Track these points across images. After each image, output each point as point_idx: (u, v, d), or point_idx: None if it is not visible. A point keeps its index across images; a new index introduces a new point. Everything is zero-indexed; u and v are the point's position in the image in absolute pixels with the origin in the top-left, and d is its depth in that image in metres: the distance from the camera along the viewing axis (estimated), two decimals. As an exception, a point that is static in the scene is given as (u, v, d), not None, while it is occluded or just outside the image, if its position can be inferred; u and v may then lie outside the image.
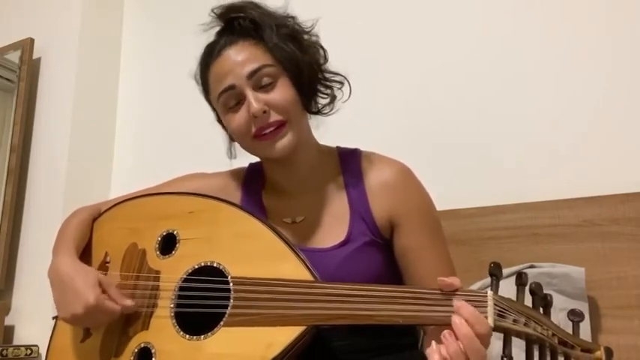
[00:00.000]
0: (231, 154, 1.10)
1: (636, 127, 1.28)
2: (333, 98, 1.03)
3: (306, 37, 1.01)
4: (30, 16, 2.21)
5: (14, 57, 2.10)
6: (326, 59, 1.03)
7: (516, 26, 1.46)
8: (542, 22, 1.43)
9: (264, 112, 0.93)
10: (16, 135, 2.01)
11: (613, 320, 1.18)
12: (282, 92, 0.96)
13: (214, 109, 1.06)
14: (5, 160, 2.01)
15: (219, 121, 1.07)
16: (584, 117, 1.34)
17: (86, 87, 2.06)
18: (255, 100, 0.93)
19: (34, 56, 2.11)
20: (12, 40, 2.14)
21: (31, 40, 2.10)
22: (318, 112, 1.03)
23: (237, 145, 1.05)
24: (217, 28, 1.03)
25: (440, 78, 1.54)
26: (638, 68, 1.30)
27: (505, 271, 1.23)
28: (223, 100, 0.97)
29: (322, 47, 1.03)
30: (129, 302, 0.93)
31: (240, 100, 0.96)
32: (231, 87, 0.95)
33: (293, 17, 1.01)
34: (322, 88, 1.03)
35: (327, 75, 1.03)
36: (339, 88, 1.04)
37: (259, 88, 0.95)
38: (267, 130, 0.95)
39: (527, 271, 1.22)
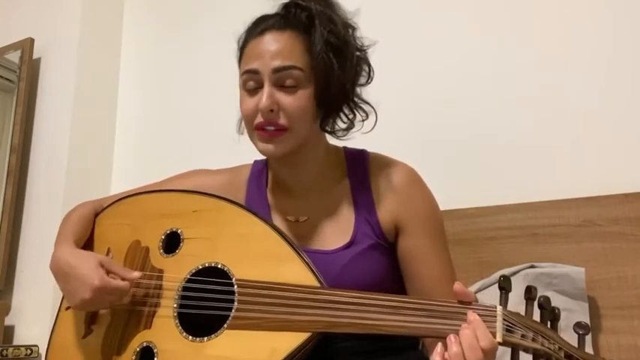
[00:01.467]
0: (239, 129, 1.07)
1: (636, 127, 1.28)
2: (351, 127, 1.00)
3: (356, 53, 0.97)
4: (30, 16, 2.21)
5: (14, 57, 2.10)
6: (370, 78, 0.99)
7: (516, 26, 1.46)
8: (542, 21, 1.43)
9: (272, 110, 0.92)
10: (16, 135, 2.00)
11: (613, 320, 1.18)
12: (299, 101, 0.93)
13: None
14: (5, 160, 2.01)
15: None
16: (584, 117, 1.34)
17: (86, 87, 2.05)
18: (267, 96, 0.92)
19: (34, 56, 2.10)
20: (12, 40, 2.14)
21: (31, 40, 2.09)
22: (331, 132, 1.01)
23: None
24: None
25: (440, 78, 1.54)
26: (638, 68, 1.30)
27: (505, 270, 1.24)
28: (244, 79, 0.96)
29: (370, 67, 0.99)
30: (135, 274, 0.93)
31: (259, 87, 0.95)
32: (255, 71, 0.94)
33: (354, 28, 0.98)
34: (346, 111, 0.99)
35: (357, 100, 0.99)
36: (362, 120, 1.00)
37: (279, 86, 0.93)
38: (268, 128, 0.93)
39: (528, 271, 1.22)
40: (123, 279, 0.92)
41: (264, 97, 0.92)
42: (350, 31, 0.97)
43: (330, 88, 0.94)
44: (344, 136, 1.01)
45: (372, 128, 1.01)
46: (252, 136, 0.98)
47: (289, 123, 0.93)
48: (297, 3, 0.95)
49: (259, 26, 0.97)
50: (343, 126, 1.00)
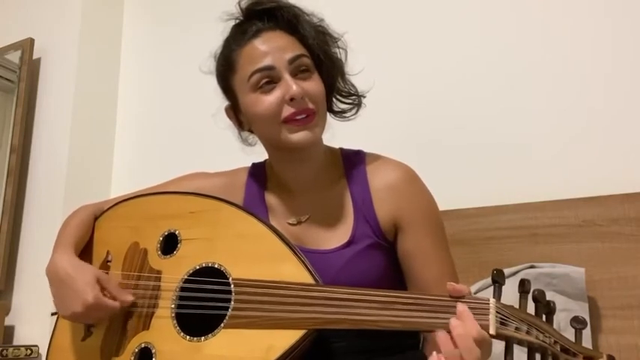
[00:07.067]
0: (241, 138, 1.09)
1: (636, 126, 1.28)
2: (358, 106, 1.06)
3: (335, 44, 1.03)
4: (30, 16, 2.21)
5: (14, 57, 2.10)
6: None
7: (517, 26, 1.46)
8: (543, 21, 1.43)
9: (302, 97, 0.94)
10: (16, 135, 2.01)
11: (613, 320, 1.18)
12: (317, 84, 0.97)
13: (228, 93, 1.04)
14: (5, 160, 2.01)
15: (232, 108, 1.05)
16: (584, 117, 1.34)
17: (86, 87, 2.06)
18: (296, 84, 0.94)
19: (34, 56, 2.11)
20: (12, 40, 2.14)
21: (31, 40, 2.10)
22: (338, 113, 1.06)
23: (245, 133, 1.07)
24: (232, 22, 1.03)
25: (439, 78, 1.54)
26: (638, 67, 1.30)
27: (505, 271, 1.23)
28: (256, 79, 0.95)
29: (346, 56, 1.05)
30: (129, 297, 0.94)
31: (275, 82, 0.95)
32: (270, 67, 0.94)
33: (325, 25, 1.04)
34: (341, 96, 1.05)
35: (348, 85, 1.05)
36: (364, 97, 1.06)
37: (296, 75, 0.96)
38: (300, 116, 0.94)
39: (528, 271, 1.22)
40: (115, 299, 0.93)
41: (293, 86, 0.93)
42: (324, 27, 1.03)
43: (334, 72, 1.01)
44: (354, 115, 1.07)
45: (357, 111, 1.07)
46: (278, 133, 0.96)
47: (316, 106, 0.96)
48: (280, 6, 0.99)
49: (249, 30, 0.98)
50: (345, 107, 1.06)
